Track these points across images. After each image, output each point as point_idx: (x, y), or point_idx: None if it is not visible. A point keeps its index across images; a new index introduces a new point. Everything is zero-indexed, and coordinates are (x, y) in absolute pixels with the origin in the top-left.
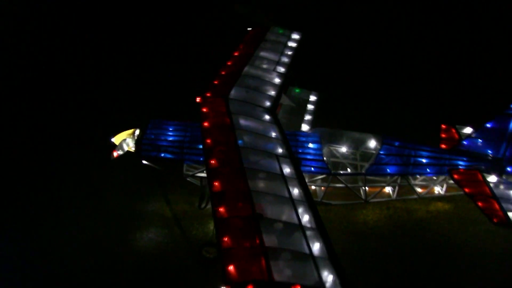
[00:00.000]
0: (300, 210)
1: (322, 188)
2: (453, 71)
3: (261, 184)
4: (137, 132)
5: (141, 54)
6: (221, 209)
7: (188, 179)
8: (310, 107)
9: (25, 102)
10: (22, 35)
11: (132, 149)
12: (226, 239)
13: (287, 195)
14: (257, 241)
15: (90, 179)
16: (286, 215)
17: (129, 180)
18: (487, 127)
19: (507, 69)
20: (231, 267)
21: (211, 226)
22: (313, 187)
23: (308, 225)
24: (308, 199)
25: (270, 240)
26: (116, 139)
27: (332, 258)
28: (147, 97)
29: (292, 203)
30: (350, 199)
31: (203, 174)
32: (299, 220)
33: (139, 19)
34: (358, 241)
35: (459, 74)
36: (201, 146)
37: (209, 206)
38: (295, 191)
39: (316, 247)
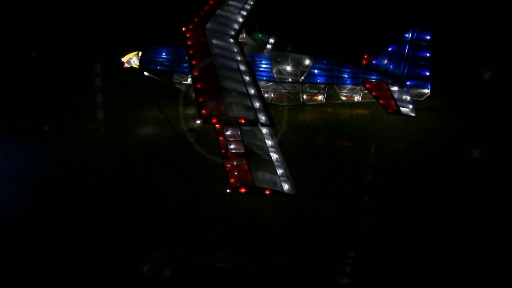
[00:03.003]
0: (248, 87)
1: (272, 94)
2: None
3: (225, 72)
4: (140, 53)
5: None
6: (198, 85)
7: (176, 85)
8: (268, 46)
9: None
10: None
11: (137, 65)
12: (200, 99)
13: (240, 78)
14: (219, 94)
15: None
16: (239, 88)
17: (132, 96)
18: (389, 51)
19: None
20: (203, 111)
21: (191, 123)
22: (266, 95)
23: (252, 94)
24: (254, 81)
25: (228, 98)
26: (124, 58)
27: (265, 109)
28: (148, 30)
29: (244, 83)
30: (292, 101)
31: (187, 82)
32: (247, 90)
33: None
34: (297, 131)
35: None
36: (186, 64)
37: (192, 111)
38: (246, 78)
39: (256, 104)
